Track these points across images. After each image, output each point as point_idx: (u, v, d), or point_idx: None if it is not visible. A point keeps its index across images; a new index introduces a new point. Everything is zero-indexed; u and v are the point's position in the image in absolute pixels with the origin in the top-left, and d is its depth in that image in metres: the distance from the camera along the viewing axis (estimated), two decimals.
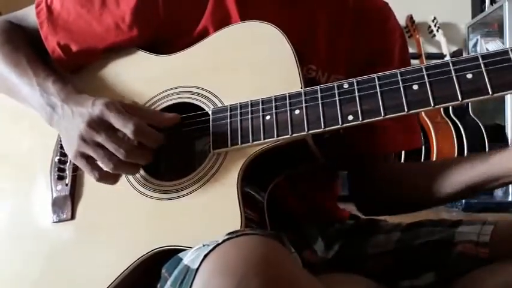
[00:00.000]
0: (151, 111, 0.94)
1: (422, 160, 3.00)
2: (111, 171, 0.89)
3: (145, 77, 0.99)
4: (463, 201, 2.62)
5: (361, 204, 1.13)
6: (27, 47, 1.03)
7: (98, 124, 0.87)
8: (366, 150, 1.09)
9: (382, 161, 1.11)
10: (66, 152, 0.94)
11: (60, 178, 0.99)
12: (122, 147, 0.86)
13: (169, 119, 0.92)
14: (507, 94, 0.78)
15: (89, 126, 0.87)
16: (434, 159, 3.21)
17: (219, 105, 0.90)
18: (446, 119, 3.40)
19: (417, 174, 1.06)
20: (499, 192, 2.98)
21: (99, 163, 0.88)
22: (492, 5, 3.46)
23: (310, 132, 0.84)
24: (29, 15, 1.06)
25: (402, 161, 2.46)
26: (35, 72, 0.98)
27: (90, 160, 0.89)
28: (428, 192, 1.01)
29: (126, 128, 0.86)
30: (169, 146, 0.93)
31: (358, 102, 0.82)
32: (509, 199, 2.89)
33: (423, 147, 3.21)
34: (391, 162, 1.13)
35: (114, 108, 0.87)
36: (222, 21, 0.96)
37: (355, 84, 0.83)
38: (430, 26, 3.70)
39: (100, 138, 0.87)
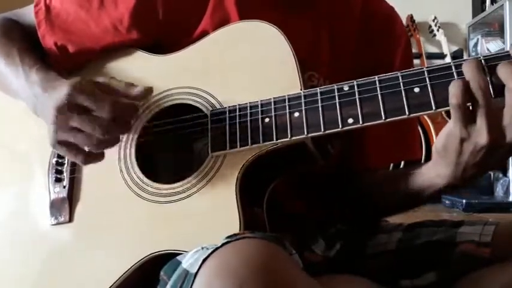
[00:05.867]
0: (123, 84, 0.90)
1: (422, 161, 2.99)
2: (93, 151, 0.88)
3: (144, 77, 0.98)
4: (464, 201, 2.62)
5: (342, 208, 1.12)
6: (22, 40, 1.03)
7: (67, 108, 0.85)
8: (355, 165, 1.08)
9: (368, 172, 1.10)
10: (49, 142, 0.90)
11: (58, 180, 0.99)
12: (98, 126, 0.84)
13: (142, 92, 0.89)
14: None
15: (58, 111, 0.85)
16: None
17: (218, 106, 0.90)
18: (447, 120, 3.39)
19: (379, 184, 1.06)
20: (499, 193, 2.98)
21: (80, 145, 0.87)
22: (493, 4, 3.45)
23: (310, 135, 0.83)
24: (28, 13, 1.05)
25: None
26: (22, 62, 0.97)
27: (70, 146, 0.88)
28: (385, 202, 1.02)
29: (99, 107, 0.84)
30: (168, 148, 0.93)
31: (358, 105, 0.81)
32: (510, 199, 2.89)
33: (423, 147, 3.20)
34: (375, 172, 1.11)
35: (81, 88, 0.85)
36: (221, 24, 0.95)
37: (355, 86, 0.83)
38: (430, 26, 3.69)
39: (74, 123, 0.85)
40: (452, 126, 0.79)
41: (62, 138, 0.87)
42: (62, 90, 0.86)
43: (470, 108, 0.76)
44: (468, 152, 0.79)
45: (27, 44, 1.02)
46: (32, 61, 0.97)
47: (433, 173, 0.88)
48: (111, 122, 0.85)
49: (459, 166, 0.82)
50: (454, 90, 0.76)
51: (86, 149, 0.88)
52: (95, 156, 0.89)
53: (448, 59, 3.53)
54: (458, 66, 0.78)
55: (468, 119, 0.76)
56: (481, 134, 0.76)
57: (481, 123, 0.76)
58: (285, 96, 0.85)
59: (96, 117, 0.85)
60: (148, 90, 0.89)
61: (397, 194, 0.97)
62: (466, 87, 0.75)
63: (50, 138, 0.88)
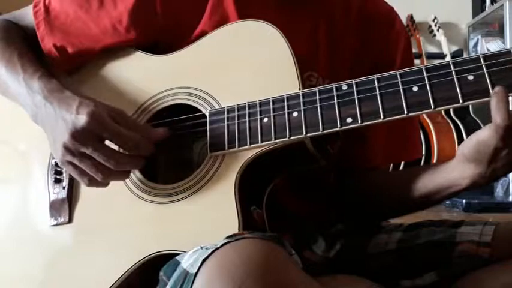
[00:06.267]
0: (141, 126, 0.92)
1: (422, 162, 3.00)
2: (100, 180, 0.88)
3: (143, 77, 0.98)
4: (464, 201, 2.61)
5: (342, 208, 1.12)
6: (21, 43, 1.02)
7: (83, 136, 0.85)
8: (356, 164, 1.08)
9: (369, 172, 1.10)
10: (53, 155, 0.92)
11: (57, 181, 0.99)
12: (111, 158, 0.85)
13: (159, 134, 0.91)
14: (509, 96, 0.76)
15: (73, 137, 0.85)
16: (435, 159, 3.20)
17: (216, 106, 0.90)
18: (447, 119, 3.39)
19: (384, 185, 1.06)
20: (499, 193, 2.97)
21: (86, 171, 0.88)
22: (493, 4, 3.44)
23: (309, 135, 0.83)
24: (27, 14, 1.05)
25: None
26: (23, 68, 0.97)
27: (78, 167, 0.88)
28: (391, 202, 1.03)
29: (117, 140, 0.86)
30: (167, 149, 0.92)
31: (357, 105, 0.81)
32: (510, 199, 2.88)
33: (423, 147, 3.20)
34: (376, 172, 1.11)
35: (100, 118, 0.85)
36: (220, 24, 0.95)
37: (354, 85, 0.82)
38: (430, 26, 3.69)
39: (87, 150, 0.85)
40: (488, 136, 0.78)
41: (68, 159, 0.87)
42: (77, 115, 0.85)
43: None
44: (501, 156, 0.80)
45: (27, 47, 1.01)
46: (33, 68, 0.97)
47: (457, 174, 0.88)
48: (124, 156, 0.86)
49: (489, 168, 0.82)
50: (501, 111, 0.75)
51: (93, 175, 0.88)
52: (100, 183, 0.89)
53: (448, 59, 3.52)
54: (457, 65, 0.78)
55: (509, 133, 0.76)
56: None
57: None
58: (283, 95, 0.85)
59: (110, 149, 0.86)
60: (164, 134, 0.91)
61: (409, 195, 0.96)
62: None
63: (56, 154, 0.89)
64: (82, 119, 0.85)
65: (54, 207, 0.98)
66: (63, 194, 0.98)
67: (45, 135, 0.96)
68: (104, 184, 0.90)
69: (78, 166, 0.88)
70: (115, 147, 0.88)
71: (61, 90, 0.92)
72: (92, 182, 0.89)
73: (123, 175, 0.89)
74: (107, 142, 0.87)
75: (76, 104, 0.87)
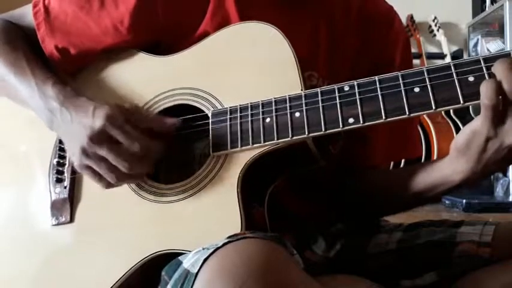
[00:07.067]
0: (153, 118, 0.93)
1: (422, 161, 3.00)
2: (114, 183, 0.89)
3: (145, 78, 0.98)
4: (464, 201, 2.61)
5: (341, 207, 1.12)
6: (26, 47, 1.02)
7: (99, 138, 0.87)
8: (357, 163, 1.08)
9: (369, 171, 1.10)
10: (72, 162, 0.93)
11: (59, 180, 0.99)
12: (124, 160, 0.86)
13: (170, 124, 0.92)
14: None
15: (91, 140, 0.87)
16: (434, 159, 3.21)
17: (219, 107, 0.90)
18: (447, 119, 3.39)
19: (383, 184, 1.06)
20: (499, 193, 2.97)
21: (103, 175, 0.89)
22: (493, 4, 3.44)
23: (311, 135, 0.83)
24: (26, 15, 1.04)
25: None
26: (33, 74, 0.97)
27: (96, 172, 0.89)
28: (389, 200, 1.03)
29: (130, 143, 0.86)
30: (169, 149, 0.93)
31: (359, 105, 0.81)
32: (510, 199, 2.88)
33: (423, 147, 3.20)
34: (376, 171, 1.12)
35: (116, 121, 0.87)
36: (222, 24, 0.95)
37: (355, 86, 0.83)
38: (430, 26, 3.69)
39: (103, 152, 0.87)
40: (479, 125, 0.79)
41: (86, 163, 0.89)
42: (93, 118, 0.87)
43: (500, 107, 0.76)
44: (492, 150, 0.79)
45: (31, 51, 1.01)
46: (44, 74, 0.97)
47: (449, 170, 0.88)
48: (137, 158, 0.87)
49: (480, 163, 0.82)
50: (488, 91, 0.75)
51: (108, 179, 0.89)
52: (117, 185, 0.90)
53: (448, 59, 3.52)
54: (457, 66, 0.78)
55: (498, 119, 0.76)
56: (509, 134, 0.77)
57: (511, 123, 0.76)
58: (285, 96, 0.86)
59: (123, 152, 0.86)
60: (175, 123, 0.91)
61: (405, 192, 0.96)
62: (499, 87, 0.75)
63: (75, 160, 0.90)
64: (98, 122, 0.87)
65: (56, 207, 0.98)
66: (65, 193, 0.98)
67: (46, 135, 0.97)
68: (121, 185, 0.91)
69: (96, 171, 0.89)
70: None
71: (76, 96, 0.93)
72: (110, 186, 0.90)
73: (136, 178, 0.91)
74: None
75: (92, 108, 0.88)
